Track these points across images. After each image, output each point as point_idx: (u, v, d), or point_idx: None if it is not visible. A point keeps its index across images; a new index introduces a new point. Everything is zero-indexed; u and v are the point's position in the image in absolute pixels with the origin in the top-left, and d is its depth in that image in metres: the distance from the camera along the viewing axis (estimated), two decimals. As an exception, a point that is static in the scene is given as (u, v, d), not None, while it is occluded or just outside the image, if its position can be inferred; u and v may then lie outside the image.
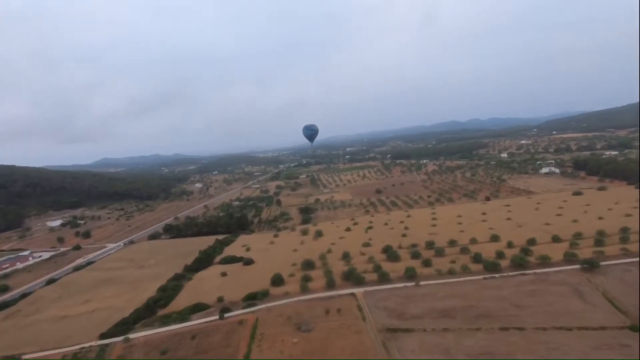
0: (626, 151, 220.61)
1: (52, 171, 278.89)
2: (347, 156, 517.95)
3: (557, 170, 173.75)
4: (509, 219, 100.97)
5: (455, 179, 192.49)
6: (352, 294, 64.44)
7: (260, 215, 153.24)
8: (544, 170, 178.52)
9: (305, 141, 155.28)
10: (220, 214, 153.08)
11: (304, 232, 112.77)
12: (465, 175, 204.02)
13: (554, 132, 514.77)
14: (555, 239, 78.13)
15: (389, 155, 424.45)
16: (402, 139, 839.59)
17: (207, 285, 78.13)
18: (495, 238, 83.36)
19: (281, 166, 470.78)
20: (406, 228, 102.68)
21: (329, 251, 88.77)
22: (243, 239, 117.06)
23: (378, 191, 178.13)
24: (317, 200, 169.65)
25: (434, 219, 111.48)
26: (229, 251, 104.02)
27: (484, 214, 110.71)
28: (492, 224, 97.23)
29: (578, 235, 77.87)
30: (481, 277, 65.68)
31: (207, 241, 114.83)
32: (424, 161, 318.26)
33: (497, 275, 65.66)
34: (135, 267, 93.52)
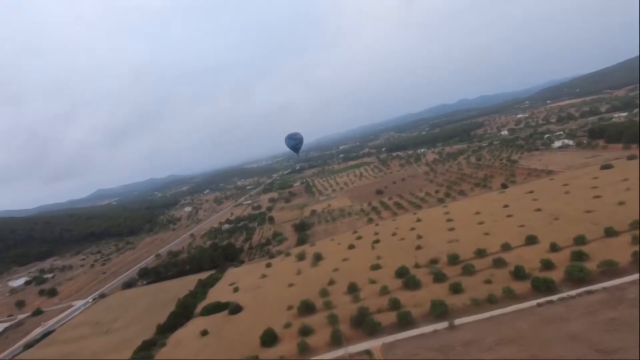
0: (635, 111, 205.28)
1: (19, 218, 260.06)
2: (341, 155, 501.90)
3: (572, 143, 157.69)
4: (538, 209, 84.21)
5: (460, 167, 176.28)
6: (367, 351, 48.14)
7: (251, 239, 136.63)
8: (557, 144, 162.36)
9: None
10: (207, 243, 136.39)
11: (300, 257, 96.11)
12: (469, 160, 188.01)
13: (548, 102, 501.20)
14: (610, 232, 61.14)
15: (383, 149, 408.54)
16: (393, 129, 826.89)
17: (183, 352, 61.55)
18: (531, 240, 66.58)
19: (274, 175, 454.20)
20: (419, 237, 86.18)
21: (332, 282, 71.96)
22: (231, 274, 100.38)
23: (378, 192, 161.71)
24: (314, 212, 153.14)
25: (448, 219, 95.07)
26: (213, 294, 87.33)
27: (506, 206, 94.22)
28: (520, 218, 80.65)
29: (637, 223, 61.32)
30: (533, 302, 49.16)
31: (189, 283, 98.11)
32: (422, 150, 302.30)
33: (553, 297, 49.13)
34: (100, 334, 76.74)
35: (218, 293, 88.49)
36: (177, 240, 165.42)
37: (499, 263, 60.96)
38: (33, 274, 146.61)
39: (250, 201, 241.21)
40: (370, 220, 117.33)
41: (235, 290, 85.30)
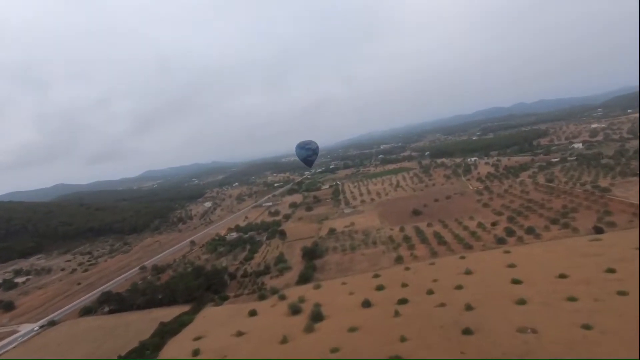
0: None
1: (18, 203, 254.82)
2: (380, 156, 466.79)
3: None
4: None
5: (524, 188, 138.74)
6: None
7: (251, 260, 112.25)
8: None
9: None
10: (197, 260, 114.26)
11: (295, 309, 69.27)
12: (536, 179, 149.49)
13: (629, 111, 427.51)
14: None
15: (427, 153, 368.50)
16: (440, 131, 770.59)
17: None
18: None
19: (306, 173, 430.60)
20: (469, 307, 55.96)
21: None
22: (205, 317, 76.19)
23: (416, 212, 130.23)
24: (332, 232, 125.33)
25: (515, 280, 63.38)
26: (168, 351, 64.04)
27: (611, 270, 60.68)
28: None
29: None
30: None
31: (153, 322, 75.72)
32: (472, 159, 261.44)
33: None
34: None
35: (174, 350, 64.77)
36: (175, 247, 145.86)
37: None
38: (6, 275, 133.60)
39: (271, 203, 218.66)
40: (400, 260, 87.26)
41: (196, 353, 60.84)
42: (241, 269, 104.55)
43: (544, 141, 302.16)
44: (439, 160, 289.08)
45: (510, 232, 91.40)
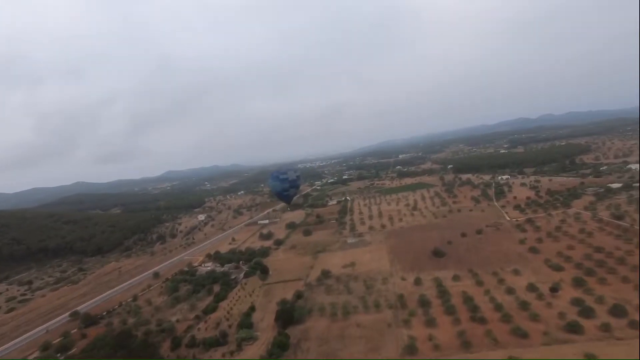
0: None
1: None
2: (397, 167, 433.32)
3: None
4: None
5: (583, 225, 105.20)
6: None
7: (213, 312, 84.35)
8: None
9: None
10: (138, 313, 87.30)
11: None
12: (595, 211, 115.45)
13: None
14: None
15: (450, 167, 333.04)
16: (463, 141, 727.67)
17: None
18: None
19: (316, 183, 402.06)
20: None
21: None
22: None
23: (437, 253, 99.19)
24: (326, 275, 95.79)
25: None
26: None
27: None
28: None
29: None
30: None
31: None
32: (504, 177, 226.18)
33: None
34: None
35: None
36: (134, 280, 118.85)
37: None
38: None
39: (267, 221, 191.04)
40: (412, 350, 57.03)
41: None
42: (193, 329, 76.65)
43: (587, 158, 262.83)
44: (463, 177, 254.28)
45: (585, 311, 59.57)
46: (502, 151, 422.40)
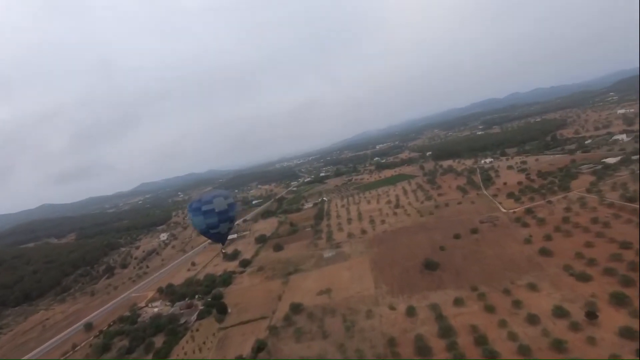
0: None
1: None
2: (375, 158, 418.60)
3: None
4: None
5: (594, 212, 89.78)
6: None
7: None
8: None
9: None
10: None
11: None
12: (602, 195, 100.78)
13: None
14: None
15: (429, 154, 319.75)
16: (437, 126, 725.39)
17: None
18: None
19: (293, 183, 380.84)
20: None
21: None
22: None
23: (428, 266, 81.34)
24: (297, 310, 76.09)
25: None
26: None
27: None
28: None
29: None
30: None
31: None
32: (487, 160, 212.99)
33: None
34: None
35: None
36: (58, 338, 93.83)
37: None
38: None
39: (235, 235, 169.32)
40: None
41: None
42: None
43: (567, 133, 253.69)
44: (444, 164, 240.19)
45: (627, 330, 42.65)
46: (479, 133, 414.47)
